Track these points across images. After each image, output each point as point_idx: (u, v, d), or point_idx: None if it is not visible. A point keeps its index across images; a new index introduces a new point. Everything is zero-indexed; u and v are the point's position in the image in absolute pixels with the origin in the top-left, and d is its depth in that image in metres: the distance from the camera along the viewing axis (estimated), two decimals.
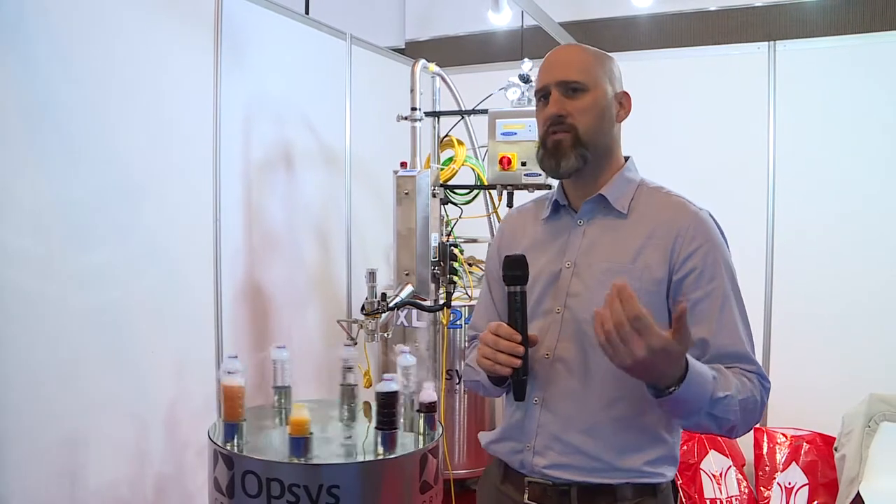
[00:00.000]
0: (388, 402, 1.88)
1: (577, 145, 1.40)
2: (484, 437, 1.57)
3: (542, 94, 1.45)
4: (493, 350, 1.35)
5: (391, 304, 2.38)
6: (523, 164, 2.69)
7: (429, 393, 1.97)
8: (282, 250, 3.12)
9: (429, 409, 1.97)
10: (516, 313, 1.37)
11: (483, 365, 1.38)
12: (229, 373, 1.87)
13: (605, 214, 1.45)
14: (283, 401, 2.14)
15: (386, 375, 1.94)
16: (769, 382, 1.36)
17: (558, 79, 1.42)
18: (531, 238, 1.54)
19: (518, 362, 1.34)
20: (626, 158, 1.51)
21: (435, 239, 2.76)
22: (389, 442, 1.87)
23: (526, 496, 1.43)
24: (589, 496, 1.38)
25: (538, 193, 2.52)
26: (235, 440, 1.86)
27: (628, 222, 1.42)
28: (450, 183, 3.02)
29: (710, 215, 1.43)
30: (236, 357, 1.94)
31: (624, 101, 1.47)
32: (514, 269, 1.39)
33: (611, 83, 1.45)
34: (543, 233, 1.52)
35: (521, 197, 2.67)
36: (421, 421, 1.97)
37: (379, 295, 2.35)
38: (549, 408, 1.43)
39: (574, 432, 1.39)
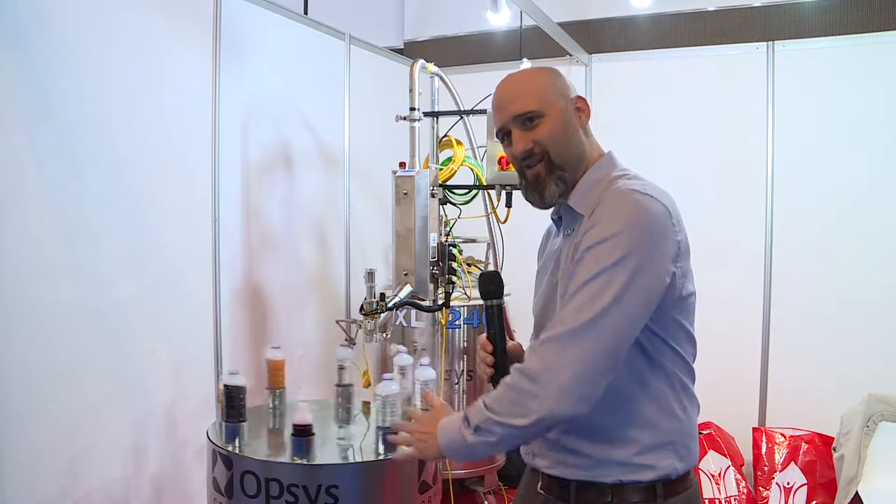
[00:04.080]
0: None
1: (553, 170, 1.41)
2: None
3: (504, 134, 1.46)
4: (478, 359, 1.57)
5: (390, 305, 2.38)
6: None
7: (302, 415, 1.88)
8: (281, 251, 3.12)
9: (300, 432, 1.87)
10: (493, 324, 1.51)
11: (477, 370, 1.52)
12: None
13: (575, 220, 1.43)
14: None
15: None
16: (554, 342, 1.28)
17: (513, 114, 1.42)
18: (546, 252, 1.59)
19: (490, 370, 1.51)
20: (603, 155, 1.47)
21: (434, 239, 2.75)
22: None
23: (539, 485, 1.49)
24: (587, 492, 1.40)
25: None
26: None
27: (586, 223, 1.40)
28: (448, 183, 3.02)
29: (649, 201, 1.30)
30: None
31: (581, 105, 1.46)
32: (488, 285, 1.52)
33: (563, 96, 1.44)
34: (554, 246, 1.54)
35: (519, 196, 2.66)
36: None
37: (378, 295, 2.34)
38: None
39: (566, 435, 1.41)
